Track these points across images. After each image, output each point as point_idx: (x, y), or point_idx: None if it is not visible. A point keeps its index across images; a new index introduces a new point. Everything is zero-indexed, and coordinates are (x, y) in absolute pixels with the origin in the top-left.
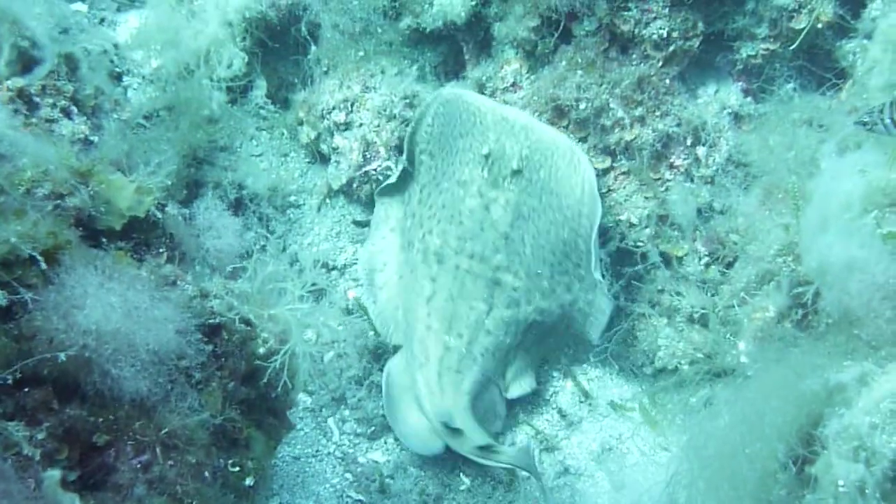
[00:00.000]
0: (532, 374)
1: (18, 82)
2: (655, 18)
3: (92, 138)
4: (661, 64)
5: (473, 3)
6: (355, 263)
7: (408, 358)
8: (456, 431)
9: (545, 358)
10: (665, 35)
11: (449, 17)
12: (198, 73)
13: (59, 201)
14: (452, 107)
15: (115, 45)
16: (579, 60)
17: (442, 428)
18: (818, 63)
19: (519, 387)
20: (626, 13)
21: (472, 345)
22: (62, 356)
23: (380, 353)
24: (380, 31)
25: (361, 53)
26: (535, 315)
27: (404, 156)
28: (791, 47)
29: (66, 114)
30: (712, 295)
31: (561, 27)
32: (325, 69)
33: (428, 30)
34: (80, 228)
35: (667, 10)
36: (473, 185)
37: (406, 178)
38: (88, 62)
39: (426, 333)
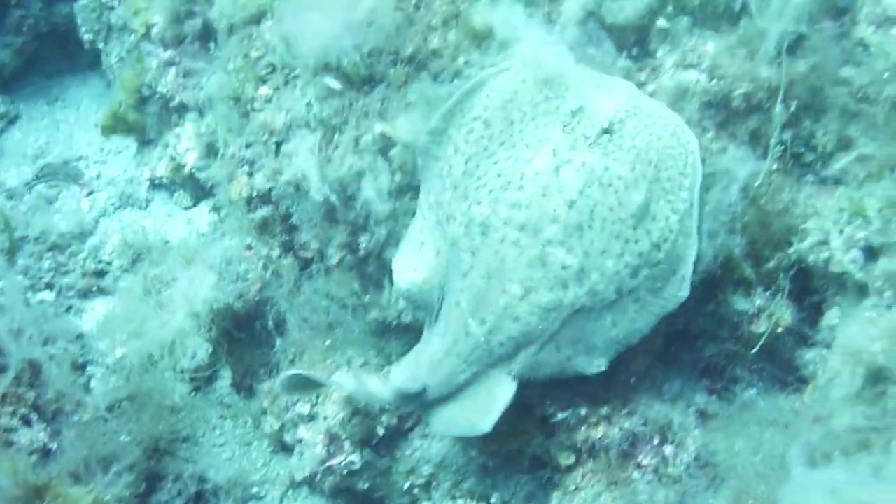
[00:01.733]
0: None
1: None
2: None
3: (51, 445)
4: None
5: None
6: None
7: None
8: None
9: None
10: None
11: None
12: (161, 363)
13: None
14: (540, 71)
15: (80, 335)
16: None
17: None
18: (780, 365)
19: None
20: None
21: (493, 334)
22: None
23: None
24: (347, 323)
25: (328, 343)
26: (586, 299)
27: (436, 122)
28: (753, 350)
29: (26, 422)
30: None
31: None
32: (291, 358)
33: (394, 323)
34: None
35: None
36: (547, 146)
37: (442, 147)
38: (51, 364)
39: (453, 309)
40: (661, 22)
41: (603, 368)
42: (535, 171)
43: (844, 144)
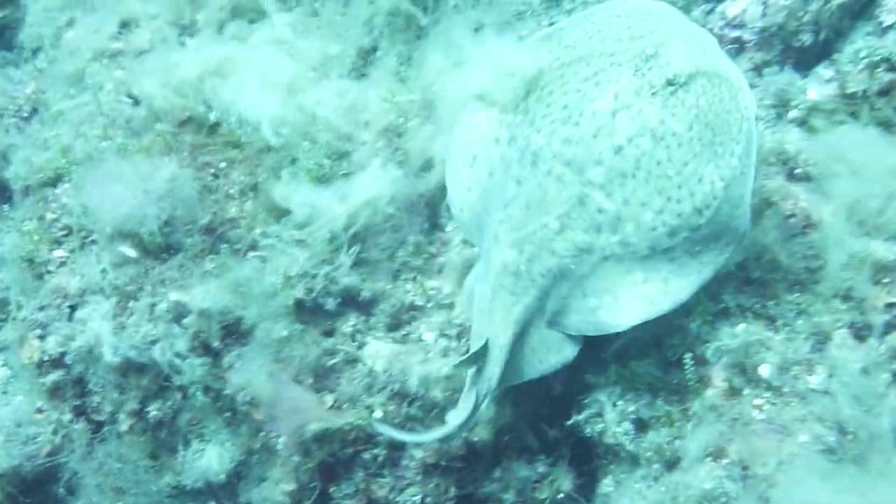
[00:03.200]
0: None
1: None
2: (409, 485)
3: None
4: None
5: (232, 465)
6: None
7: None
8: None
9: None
10: (419, 501)
11: (209, 478)
12: None
13: None
14: (639, 8)
15: None
16: None
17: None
18: None
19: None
20: (381, 479)
21: (533, 263)
22: None
23: None
24: (141, 485)
25: None
26: (618, 247)
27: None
28: None
29: None
30: None
31: (319, 490)
32: None
33: (189, 487)
34: None
35: (420, 477)
36: (612, 87)
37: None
38: None
39: (493, 244)
40: None
41: (624, 328)
42: (593, 111)
43: None
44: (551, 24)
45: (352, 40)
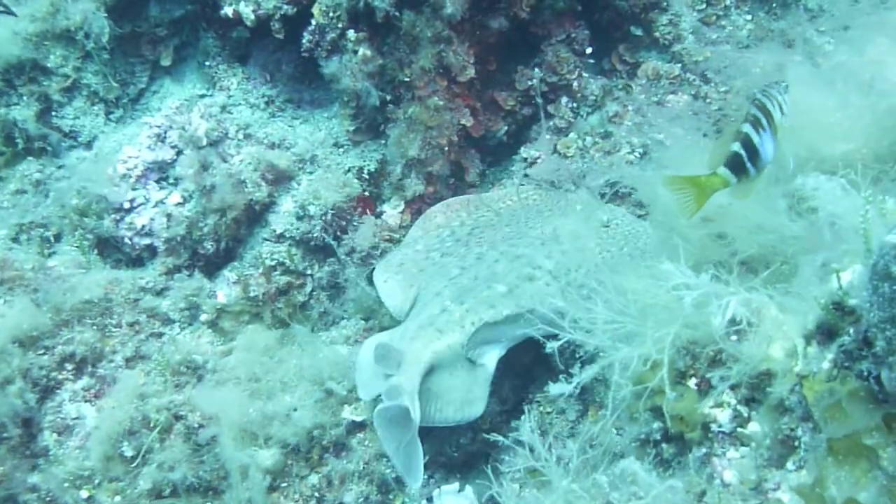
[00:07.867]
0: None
1: None
2: None
3: None
4: None
5: None
6: None
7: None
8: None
9: None
10: None
11: None
12: None
13: None
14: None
15: None
16: None
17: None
18: None
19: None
20: None
21: (469, 313)
22: None
23: None
24: None
25: None
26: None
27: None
28: None
29: None
30: None
31: None
32: None
33: None
34: None
35: None
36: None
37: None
38: None
39: (432, 298)
40: None
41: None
42: (538, 234)
43: None
44: None
45: None
